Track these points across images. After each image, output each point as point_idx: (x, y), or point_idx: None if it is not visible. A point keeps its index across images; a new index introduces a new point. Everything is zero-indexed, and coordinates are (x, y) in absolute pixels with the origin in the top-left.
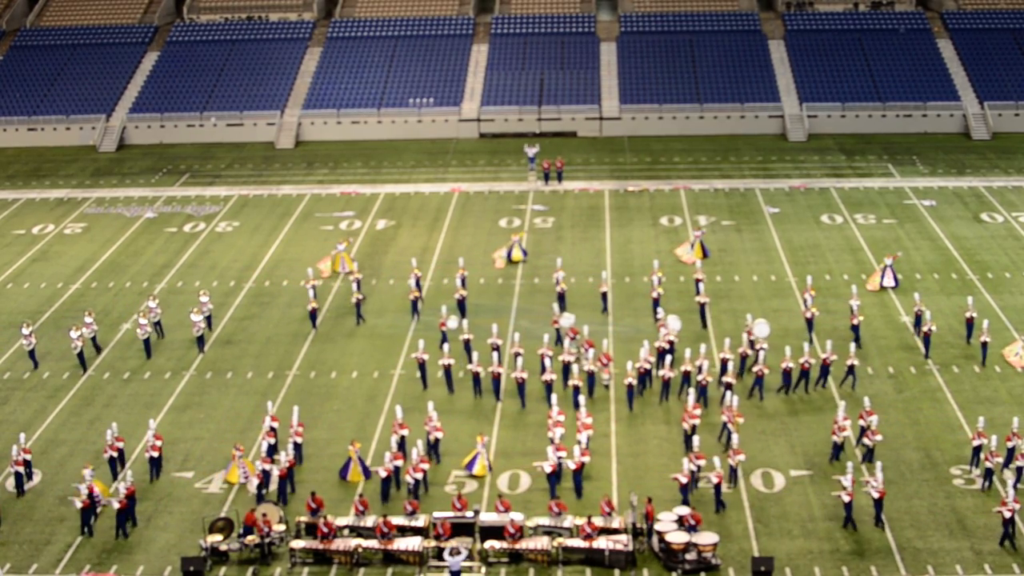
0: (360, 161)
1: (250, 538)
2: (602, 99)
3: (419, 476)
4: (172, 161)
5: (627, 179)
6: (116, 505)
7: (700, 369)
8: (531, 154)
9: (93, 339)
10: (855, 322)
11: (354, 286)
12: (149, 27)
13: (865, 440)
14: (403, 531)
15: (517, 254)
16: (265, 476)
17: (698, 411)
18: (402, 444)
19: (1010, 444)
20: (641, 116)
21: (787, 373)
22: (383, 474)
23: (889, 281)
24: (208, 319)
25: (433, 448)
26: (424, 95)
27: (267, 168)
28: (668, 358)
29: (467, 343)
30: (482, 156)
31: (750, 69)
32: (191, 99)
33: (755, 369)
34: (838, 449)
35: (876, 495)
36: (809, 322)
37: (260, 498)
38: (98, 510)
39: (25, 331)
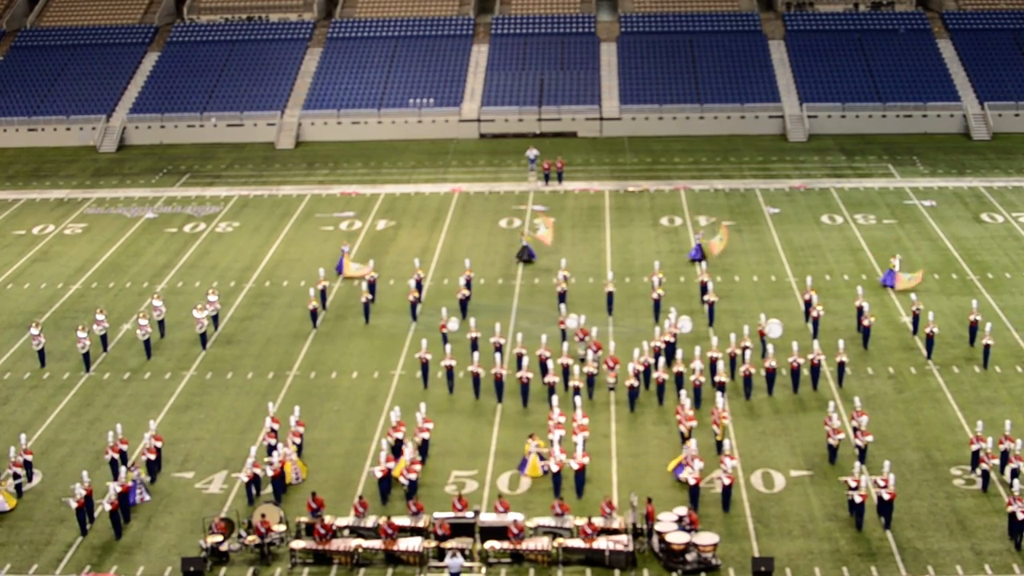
0: (360, 161)
1: (250, 538)
2: (602, 99)
3: (412, 477)
4: (172, 161)
5: (627, 179)
6: (108, 507)
7: (694, 370)
8: (531, 156)
9: (103, 337)
10: (867, 323)
11: (364, 286)
12: (149, 27)
13: (856, 440)
14: (403, 531)
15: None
16: (256, 477)
17: (692, 412)
18: (396, 446)
19: (1003, 447)
20: (641, 116)
21: (795, 371)
22: (378, 475)
23: (892, 280)
24: (215, 317)
25: (420, 449)
26: (424, 95)
27: (267, 168)
28: (662, 360)
29: (474, 341)
30: (482, 156)
31: (750, 69)
32: (191, 99)
33: (743, 369)
34: (835, 452)
35: (887, 497)
36: (816, 322)
37: (251, 499)
38: (96, 512)
39: (35, 330)
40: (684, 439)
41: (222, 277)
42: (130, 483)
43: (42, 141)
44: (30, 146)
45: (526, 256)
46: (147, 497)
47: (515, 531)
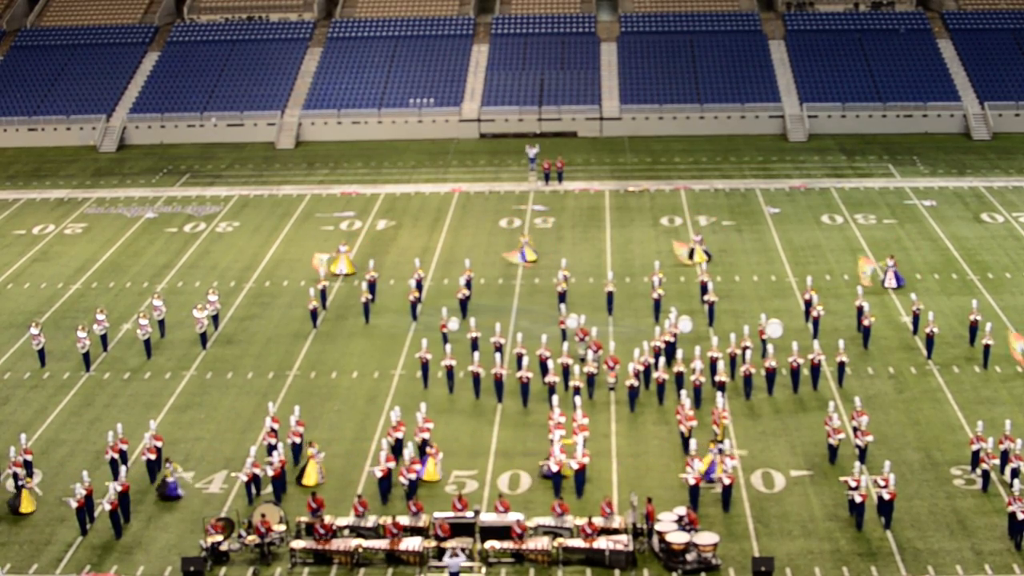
0: (360, 161)
1: (250, 538)
2: (602, 99)
3: (412, 477)
4: (172, 161)
5: (627, 179)
6: (107, 506)
7: (694, 370)
8: (532, 155)
9: (103, 336)
10: (867, 323)
11: (364, 286)
12: (149, 27)
13: (856, 440)
14: (404, 531)
15: (531, 255)
16: (255, 477)
17: (692, 412)
18: (397, 446)
19: (1003, 447)
20: (641, 116)
21: (795, 371)
22: (378, 475)
23: (891, 282)
24: (215, 317)
25: (420, 449)
26: (424, 95)
27: (267, 168)
28: (662, 360)
29: (475, 341)
30: (482, 156)
31: (750, 69)
32: (191, 99)
33: (743, 369)
34: (835, 452)
35: (888, 497)
36: (816, 322)
37: (251, 499)
38: (96, 512)
39: (34, 330)
40: (684, 439)
41: (222, 277)
42: (171, 478)
43: (42, 141)
44: (30, 146)
45: (524, 258)
46: (181, 492)
47: (518, 531)
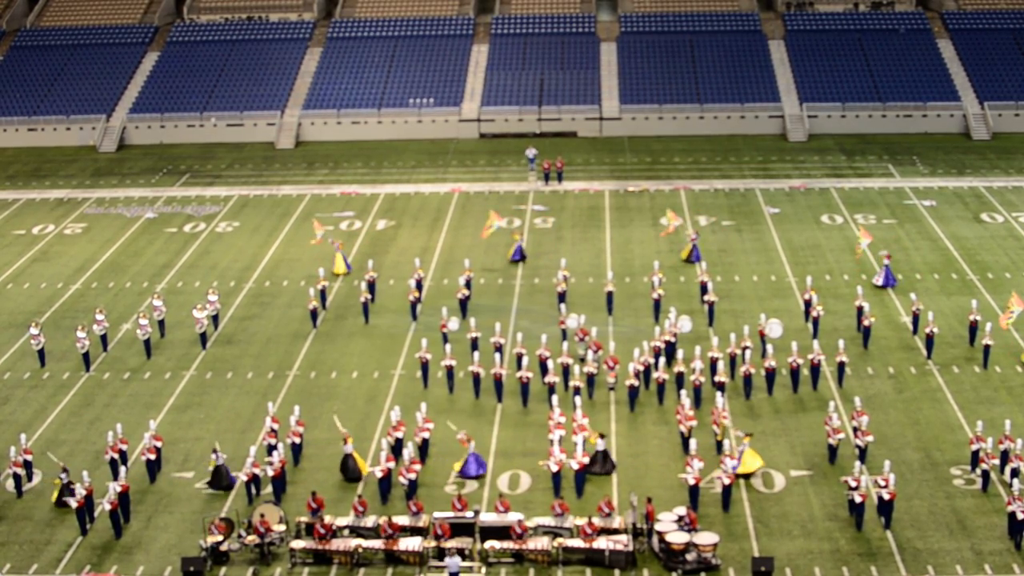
0: (360, 161)
1: (250, 538)
2: (602, 99)
3: (412, 477)
4: (172, 161)
5: (627, 179)
6: (107, 506)
7: (694, 370)
8: (531, 155)
9: (103, 336)
10: (867, 323)
11: (363, 286)
12: (149, 27)
13: (856, 440)
14: (403, 531)
15: (508, 254)
16: (255, 477)
17: (692, 412)
18: (396, 446)
19: (1003, 446)
20: (641, 116)
21: (795, 371)
22: (379, 475)
23: (879, 280)
24: (215, 317)
25: (421, 449)
26: (424, 95)
27: (267, 168)
28: (661, 360)
29: (475, 341)
30: (482, 156)
31: (750, 69)
32: (191, 99)
33: (743, 369)
34: (835, 452)
35: (887, 496)
36: (815, 322)
37: (251, 499)
38: (96, 512)
39: (34, 330)
40: (684, 439)
41: (222, 277)
42: (219, 461)
43: (42, 141)
44: (30, 146)
45: (518, 256)
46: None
47: (519, 531)
